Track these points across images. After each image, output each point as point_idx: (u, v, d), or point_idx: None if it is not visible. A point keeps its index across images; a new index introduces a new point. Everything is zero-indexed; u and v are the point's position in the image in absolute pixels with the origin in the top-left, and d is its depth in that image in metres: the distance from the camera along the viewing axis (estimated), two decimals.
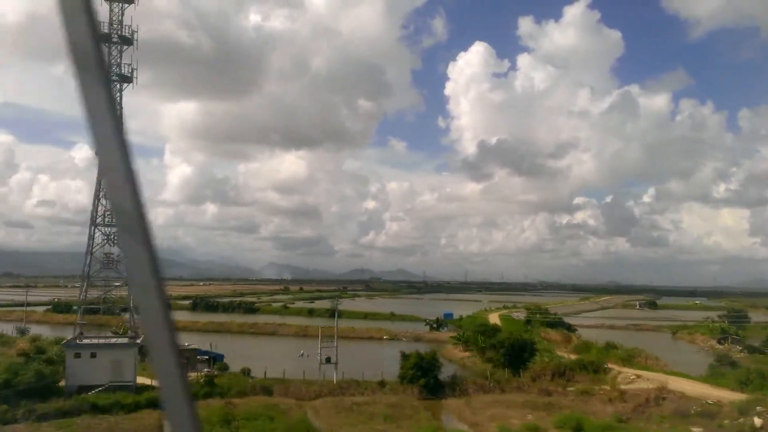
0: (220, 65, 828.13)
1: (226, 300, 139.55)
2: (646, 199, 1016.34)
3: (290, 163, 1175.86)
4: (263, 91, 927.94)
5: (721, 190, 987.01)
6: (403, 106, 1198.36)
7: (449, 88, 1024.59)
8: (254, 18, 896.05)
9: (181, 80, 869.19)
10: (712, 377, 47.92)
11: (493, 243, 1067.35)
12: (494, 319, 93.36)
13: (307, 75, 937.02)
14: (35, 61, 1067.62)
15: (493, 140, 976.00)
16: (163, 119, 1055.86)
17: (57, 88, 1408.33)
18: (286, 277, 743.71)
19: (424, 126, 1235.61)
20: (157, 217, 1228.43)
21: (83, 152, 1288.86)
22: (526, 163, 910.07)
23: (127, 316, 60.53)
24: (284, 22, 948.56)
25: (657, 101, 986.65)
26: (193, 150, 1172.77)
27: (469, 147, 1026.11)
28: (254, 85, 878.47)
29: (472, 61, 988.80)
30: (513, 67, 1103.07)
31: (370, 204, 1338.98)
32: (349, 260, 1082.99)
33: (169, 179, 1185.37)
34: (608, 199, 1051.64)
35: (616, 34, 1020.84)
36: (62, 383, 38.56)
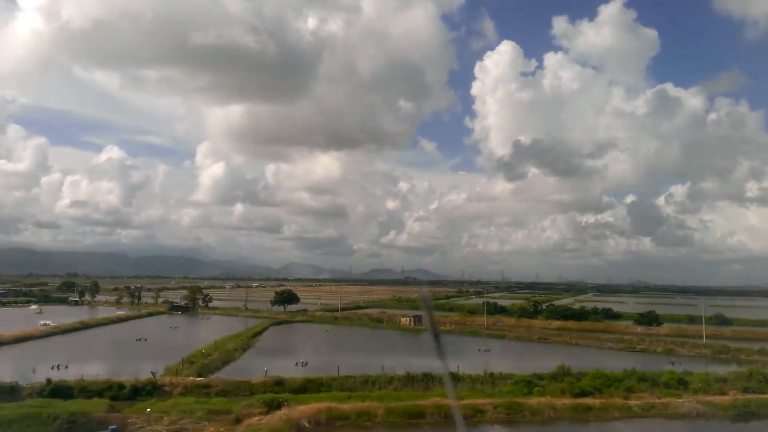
0: (274, 69, 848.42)
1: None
2: (677, 198, 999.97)
3: (325, 164, 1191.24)
4: (311, 94, 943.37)
5: (754, 189, 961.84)
6: (437, 107, 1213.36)
7: (477, 88, 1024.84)
8: (311, 22, 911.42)
9: (235, 84, 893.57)
10: None
11: (514, 243, 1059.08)
12: None
13: (352, 77, 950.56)
14: (69, 67, 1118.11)
15: (528, 140, 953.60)
16: (208, 121, 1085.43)
17: (86, 91, 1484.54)
18: (325, 277, 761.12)
19: (454, 126, 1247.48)
20: (182, 217, 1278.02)
21: (111, 154, 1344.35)
22: (561, 162, 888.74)
23: None
24: (336, 26, 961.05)
25: (693, 100, 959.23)
26: (233, 152, 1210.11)
27: (500, 146, 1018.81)
28: (303, 88, 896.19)
29: (502, 61, 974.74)
30: (545, 66, 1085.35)
31: (396, 204, 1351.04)
32: (367, 260, 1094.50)
33: (202, 180, 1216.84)
34: (637, 199, 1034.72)
35: (652, 33, 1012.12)
36: None
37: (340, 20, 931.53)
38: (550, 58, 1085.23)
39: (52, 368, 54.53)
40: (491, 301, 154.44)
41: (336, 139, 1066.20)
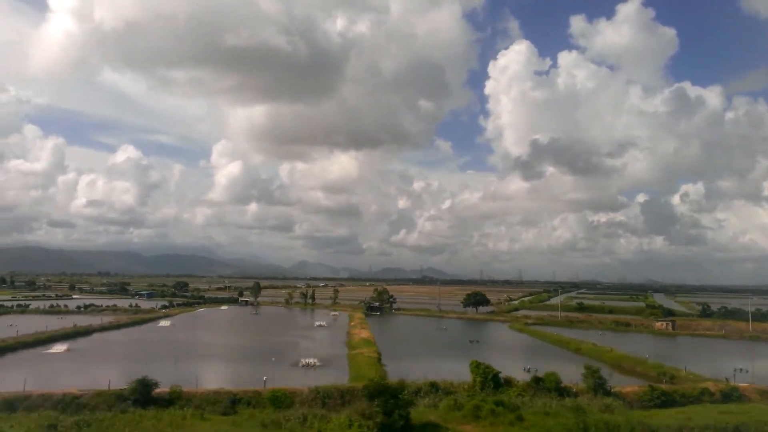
0: (302, 69, 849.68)
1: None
2: (693, 196, 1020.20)
3: (343, 164, 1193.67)
4: (336, 94, 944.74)
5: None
6: (455, 107, 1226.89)
7: (492, 87, 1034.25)
8: (340, 23, 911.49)
9: (262, 84, 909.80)
10: None
11: (525, 241, 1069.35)
12: None
13: (376, 77, 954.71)
14: (99, 68, 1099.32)
15: (545, 138, 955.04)
16: (229, 122, 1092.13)
17: (101, 92, 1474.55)
18: (343, 276, 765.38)
19: (467, 125, 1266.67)
20: (195, 216, 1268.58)
21: (127, 154, 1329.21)
22: (580, 161, 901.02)
23: None
24: (364, 27, 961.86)
25: (711, 99, 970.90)
26: (253, 152, 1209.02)
27: (516, 145, 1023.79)
28: (329, 88, 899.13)
29: (517, 60, 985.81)
30: (561, 65, 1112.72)
31: (407, 203, 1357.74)
32: (376, 258, 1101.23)
33: (218, 179, 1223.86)
34: (651, 197, 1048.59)
35: (670, 32, 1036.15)
36: None
37: (367, 21, 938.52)
38: (567, 57, 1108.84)
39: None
40: (656, 305, 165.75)
41: (357, 139, 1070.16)
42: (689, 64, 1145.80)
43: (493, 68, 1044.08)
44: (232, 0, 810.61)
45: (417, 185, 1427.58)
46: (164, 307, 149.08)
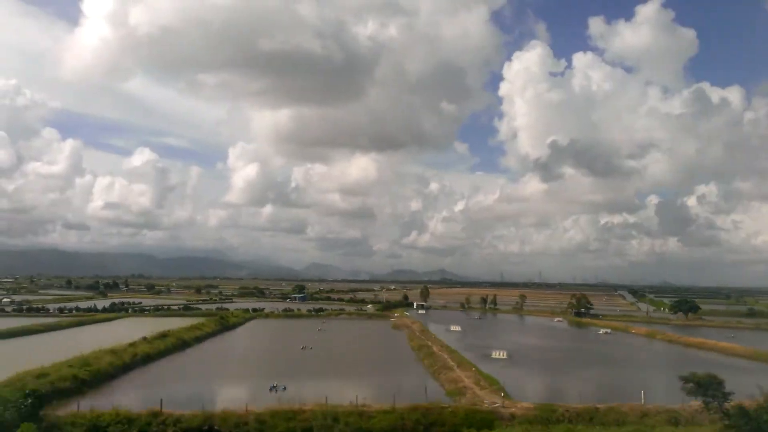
0: (331, 73, 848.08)
1: None
2: (710, 198, 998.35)
3: (361, 166, 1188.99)
4: (363, 97, 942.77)
5: None
6: (475, 109, 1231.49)
7: (508, 89, 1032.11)
8: (371, 26, 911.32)
9: (290, 87, 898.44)
10: None
11: (535, 243, 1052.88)
12: None
13: (403, 80, 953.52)
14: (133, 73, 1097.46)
15: (564, 140, 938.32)
16: (251, 124, 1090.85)
17: (119, 96, 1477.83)
18: (364, 278, 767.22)
19: (483, 127, 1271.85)
20: (209, 218, 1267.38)
21: (143, 157, 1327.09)
22: (600, 163, 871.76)
23: None
24: (393, 30, 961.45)
25: (730, 100, 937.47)
26: (274, 154, 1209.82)
27: (533, 147, 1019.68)
28: (356, 91, 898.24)
29: (534, 61, 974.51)
30: (576, 66, 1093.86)
31: (419, 205, 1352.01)
32: (386, 261, 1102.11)
33: (234, 182, 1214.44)
34: (667, 199, 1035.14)
35: (690, 33, 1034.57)
36: None
37: (397, 24, 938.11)
38: (585, 59, 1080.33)
39: None
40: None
41: (380, 141, 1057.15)
42: (709, 65, 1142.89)
43: (510, 70, 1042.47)
44: (269, 4, 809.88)
45: (430, 187, 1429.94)
46: (319, 310, 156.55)
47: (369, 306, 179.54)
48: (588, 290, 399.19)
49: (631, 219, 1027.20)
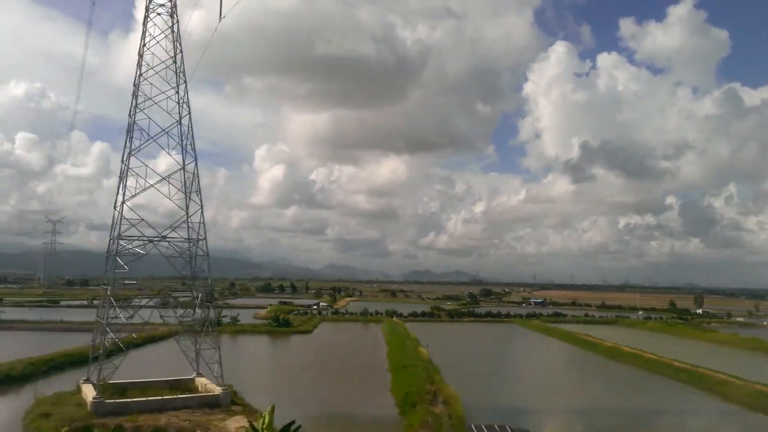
0: (377, 76, 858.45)
1: None
2: (738, 198, 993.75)
3: (391, 167, 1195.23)
4: (404, 100, 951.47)
5: None
6: (507, 109, 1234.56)
7: (534, 89, 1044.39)
8: (421, 29, 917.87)
9: (335, 90, 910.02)
10: None
11: (552, 244, 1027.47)
12: None
13: (444, 83, 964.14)
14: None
15: (596, 141, 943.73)
16: (288, 127, 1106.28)
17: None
18: (379, 278, 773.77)
19: (513, 128, 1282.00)
20: (231, 219, 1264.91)
21: (167, 160, 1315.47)
22: (632, 164, 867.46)
23: None
24: (439, 33, 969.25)
25: (762, 100, 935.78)
26: (307, 157, 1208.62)
27: (562, 148, 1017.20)
28: (398, 94, 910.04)
29: (562, 62, 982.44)
30: (603, 67, 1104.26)
31: (438, 205, 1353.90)
32: (402, 261, 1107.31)
33: (261, 184, 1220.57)
34: (695, 200, 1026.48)
35: (722, 34, 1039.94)
36: None
37: (445, 27, 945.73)
38: (614, 60, 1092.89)
39: None
40: None
41: (415, 143, 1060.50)
42: (740, 65, 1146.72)
43: (532, 71, 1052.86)
44: (328, 9, 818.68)
45: (453, 188, 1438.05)
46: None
47: None
48: (628, 292, 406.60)
49: (655, 220, 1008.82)
